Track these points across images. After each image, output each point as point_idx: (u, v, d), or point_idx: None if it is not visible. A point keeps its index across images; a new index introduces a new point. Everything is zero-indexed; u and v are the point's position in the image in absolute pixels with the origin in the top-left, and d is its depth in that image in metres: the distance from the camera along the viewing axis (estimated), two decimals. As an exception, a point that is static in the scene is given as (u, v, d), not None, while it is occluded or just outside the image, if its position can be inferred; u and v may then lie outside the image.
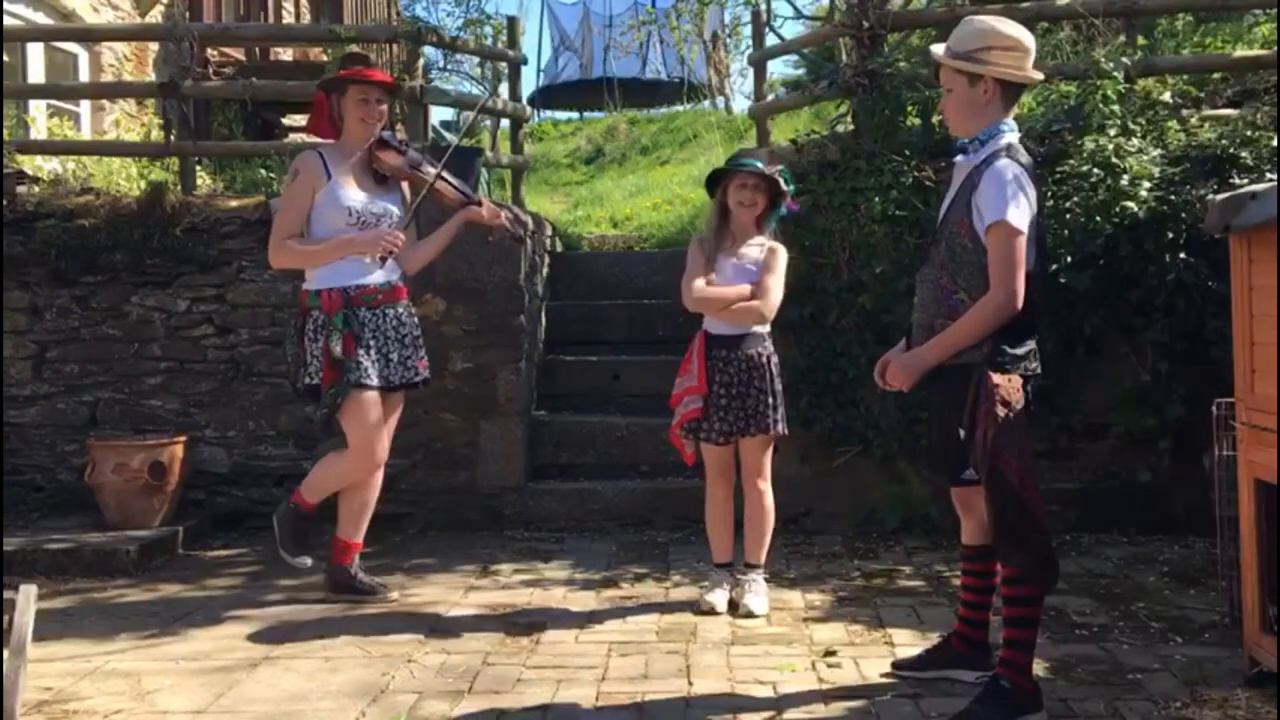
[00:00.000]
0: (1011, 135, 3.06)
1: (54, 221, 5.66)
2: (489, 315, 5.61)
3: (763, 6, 7.60)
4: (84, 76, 8.49)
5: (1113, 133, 5.14)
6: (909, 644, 3.63)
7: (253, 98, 6.86)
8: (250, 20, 9.86)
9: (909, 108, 5.52)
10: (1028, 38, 3.07)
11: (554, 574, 4.68)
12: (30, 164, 6.50)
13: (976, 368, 2.94)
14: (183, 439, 5.35)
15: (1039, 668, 3.23)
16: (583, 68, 19.02)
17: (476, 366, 5.62)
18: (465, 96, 7.42)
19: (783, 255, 4.15)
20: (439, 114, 10.43)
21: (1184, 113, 5.42)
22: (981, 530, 3.27)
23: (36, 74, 7.93)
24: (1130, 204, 4.90)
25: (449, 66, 7.79)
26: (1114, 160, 5.00)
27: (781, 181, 4.08)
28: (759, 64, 7.37)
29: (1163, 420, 4.98)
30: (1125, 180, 4.95)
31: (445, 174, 4.33)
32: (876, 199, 5.22)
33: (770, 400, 4.07)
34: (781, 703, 3.19)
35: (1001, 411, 2.86)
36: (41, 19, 8.05)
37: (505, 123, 8.22)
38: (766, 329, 4.15)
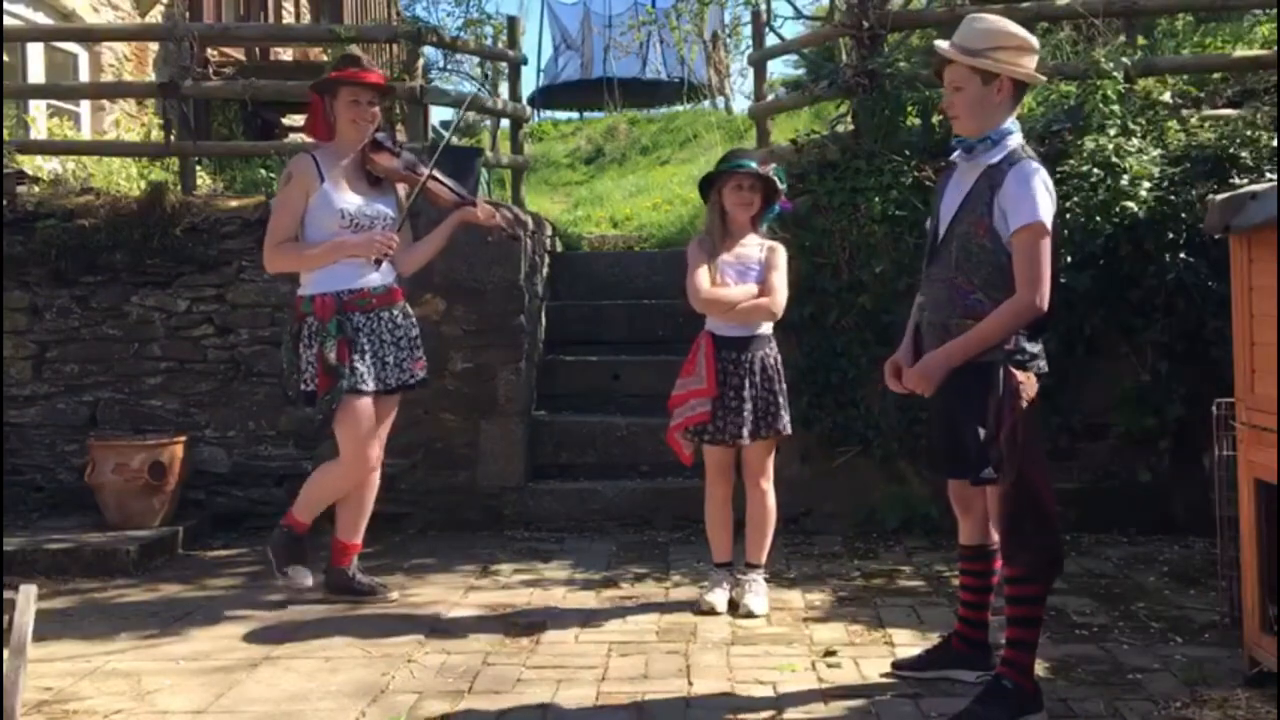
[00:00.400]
0: (1020, 135, 3.07)
1: (54, 221, 5.66)
2: (489, 315, 5.61)
3: (763, 6, 7.61)
4: (84, 76, 8.49)
5: (1113, 133, 5.14)
6: (909, 644, 3.63)
7: (253, 98, 6.86)
8: (250, 20, 9.87)
9: (909, 108, 5.52)
10: (1034, 39, 3.09)
11: (554, 574, 4.68)
12: (30, 164, 6.50)
13: (997, 366, 2.94)
14: (183, 439, 5.35)
15: (1039, 668, 3.23)
16: (583, 67, 19.02)
17: (476, 366, 5.62)
18: (465, 96, 7.43)
19: (783, 253, 4.15)
20: (439, 114, 10.44)
21: (1184, 113, 5.43)
22: (980, 530, 3.27)
23: (36, 74, 7.93)
24: (1130, 204, 4.90)
25: (449, 66, 7.80)
26: (1114, 160, 5.00)
27: (776, 180, 4.08)
28: (759, 64, 7.37)
29: (1163, 420, 4.98)
30: (1125, 180, 4.95)
31: (439, 174, 4.32)
32: (876, 199, 5.22)
33: (781, 401, 4.08)
34: (781, 703, 3.19)
35: (1025, 409, 2.88)
36: (41, 19, 8.06)
37: (505, 123, 8.22)
38: (770, 329, 4.15)
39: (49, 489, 5.66)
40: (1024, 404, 2.91)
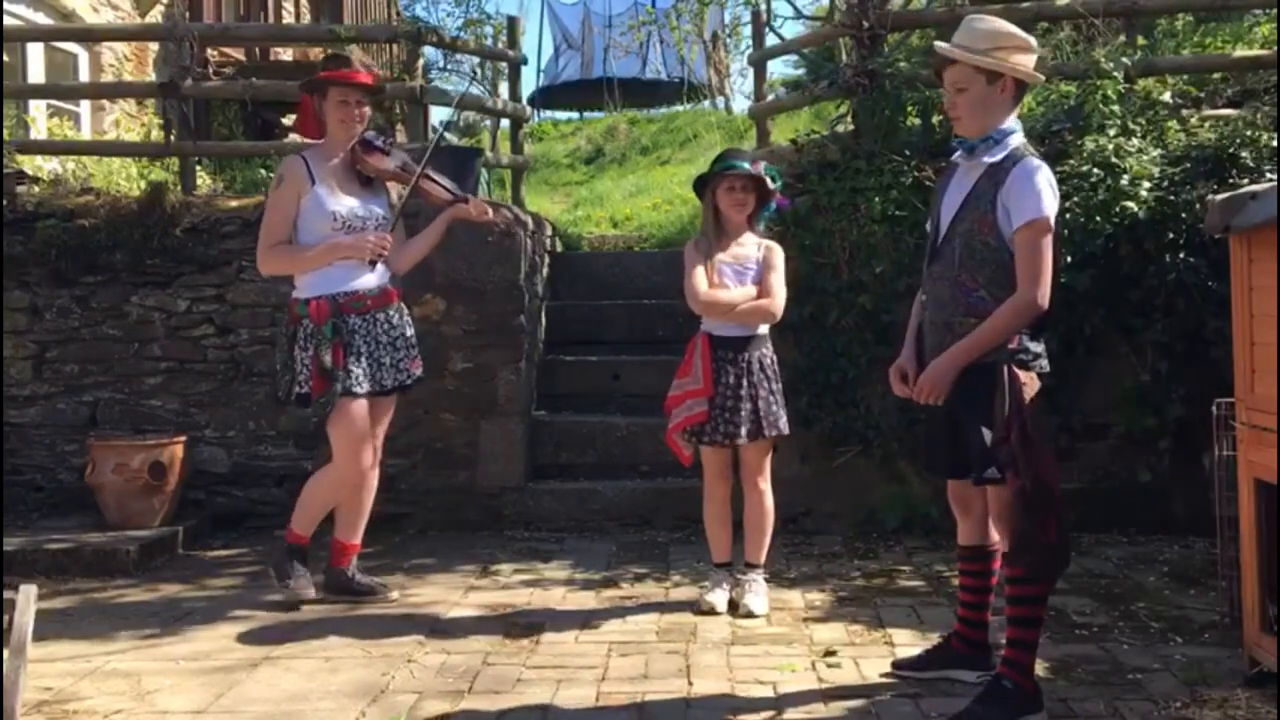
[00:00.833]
0: (1021, 134, 3.09)
1: (54, 221, 5.66)
2: (489, 315, 5.61)
3: (763, 6, 7.61)
4: (84, 76, 8.49)
5: (1113, 133, 5.14)
6: (909, 644, 3.63)
7: (253, 98, 6.87)
8: (250, 20, 9.88)
9: (909, 108, 5.52)
10: (1033, 39, 3.11)
11: (554, 574, 4.68)
12: (30, 164, 6.50)
13: (1000, 366, 2.95)
14: (183, 439, 5.35)
15: (1039, 668, 3.23)
16: (583, 67, 19.02)
17: (476, 366, 5.62)
18: (466, 96, 7.43)
19: (781, 253, 4.15)
20: (439, 114, 10.41)
21: (1184, 113, 5.43)
22: (980, 530, 3.27)
23: (36, 74, 7.93)
24: (1130, 204, 4.90)
25: (449, 66, 7.80)
26: (1114, 160, 5.00)
27: (768, 180, 4.08)
28: (759, 64, 7.37)
29: (1163, 420, 4.98)
30: (1125, 180, 4.95)
31: (432, 172, 4.32)
32: (876, 199, 5.22)
33: (778, 401, 4.08)
34: (781, 703, 3.19)
35: (1029, 409, 2.89)
36: (41, 19, 8.06)
37: (505, 123, 8.22)
38: (767, 330, 4.15)
39: (49, 489, 5.66)
40: (1029, 405, 2.91)
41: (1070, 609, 4.01)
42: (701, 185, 4.17)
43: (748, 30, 8.02)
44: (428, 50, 7.14)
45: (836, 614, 4.05)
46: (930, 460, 3.47)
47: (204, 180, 7.09)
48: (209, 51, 8.15)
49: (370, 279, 4.16)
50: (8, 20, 6.82)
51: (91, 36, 8.09)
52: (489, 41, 8.08)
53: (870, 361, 5.17)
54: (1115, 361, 5.10)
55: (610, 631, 3.89)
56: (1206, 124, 5.31)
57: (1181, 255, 4.85)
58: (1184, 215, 4.83)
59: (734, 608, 4.07)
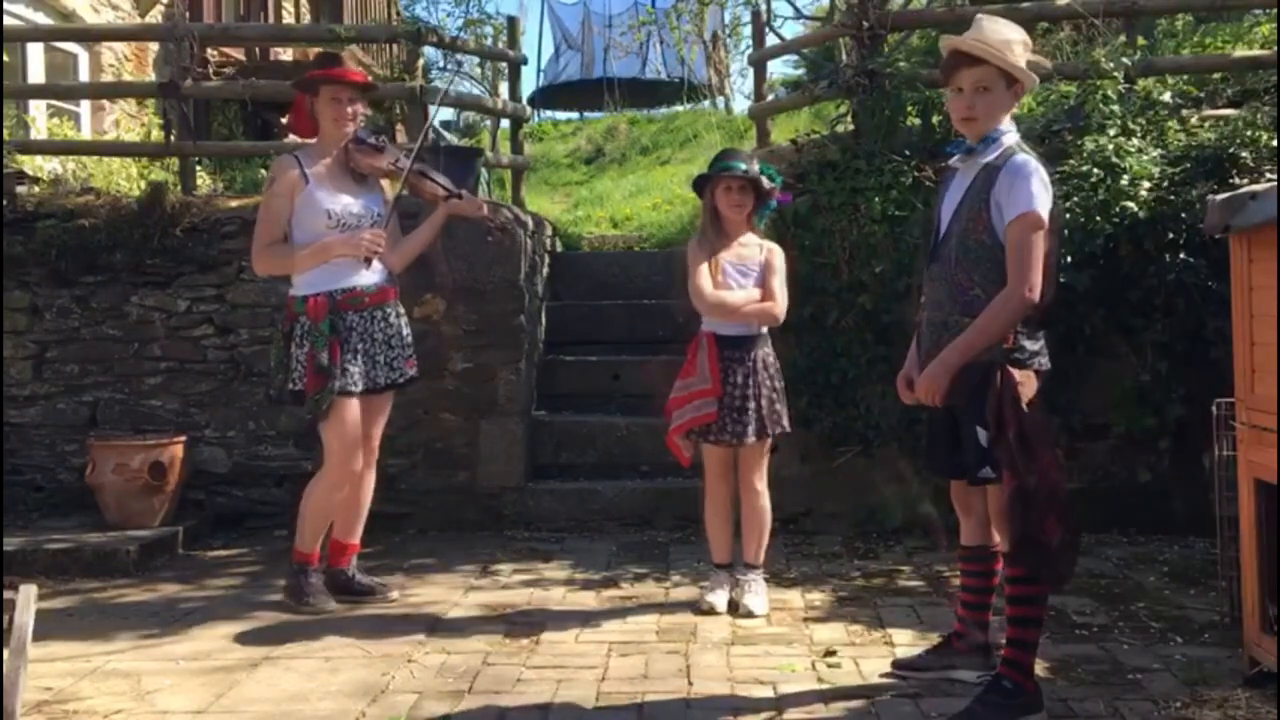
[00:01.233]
0: (1014, 133, 3.11)
1: (54, 222, 5.66)
2: (489, 315, 5.61)
3: (763, 6, 7.62)
4: (84, 76, 8.49)
5: (1113, 133, 5.14)
6: (909, 644, 3.63)
7: (252, 98, 6.87)
8: (250, 20, 9.88)
9: (909, 108, 5.53)
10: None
11: (554, 574, 4.68)
12: (30, 164, 6.50)
13: (994, 366, 2.95)
14: (182, 439, 5.36)
15: (1039, 668, 3.23)
16: (583, 67, 19.02)
17: (476, 366, 5.62)
18: (466, 96, 7.43)
19: (782, 256, 4.16)
20: (440, 114, 10.39)
21: (1184, 113, 5.42)
22: (981, 530, 3.27)
23: (36, 74, 7.93)
24: (1130, 204, 4.90)
25: (449, 66, 7.80)
26: (1114, 160, 5.00)
27: (764, 180, 4.08)
28: (759, 64, 7.37)
29: (1163, 420, 4.97)
30: (1125, 180, 4.95)
31: (429, 171, 4.32)
32: (877, 199, 5.22)
33: (781, 399, 4.10)
34: (781, 703, 3.19)
35: (1026, 408, 2.89)
36: (41, 19, 8.06)
37: (505, 123, 8.22)
38: (767, 329, 4.16)
39: (49, 489, 5.66)
40: (1024, 403, 2.91)
41: (1070, 609, 4.01)
42: (701, 185, 4.18)
43: (748, 30, 8.03)
44: (428, 50, 7.13)
45: (836, 614, 4.05)
46: (930, 460, 3.47)
47: (204, 180, 7.10)
48: (209, 51, 8.14)
49: (368, 276, 4.15)
50: (8, 20, 6.82)
51: (91, 36, 8.09)
52: (489, 41, 8.08)
53: (870, 361, 5.17)
54: (1115, 361, 5.10)
55: (610, 631, 3.89)
56: (1206, 124, 5.31)
57: (1181, 255, 4.85)
58: (1184, 215, 4.83)
59: (734, 608, 4.07)
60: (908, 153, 5.31)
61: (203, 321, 5.70)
